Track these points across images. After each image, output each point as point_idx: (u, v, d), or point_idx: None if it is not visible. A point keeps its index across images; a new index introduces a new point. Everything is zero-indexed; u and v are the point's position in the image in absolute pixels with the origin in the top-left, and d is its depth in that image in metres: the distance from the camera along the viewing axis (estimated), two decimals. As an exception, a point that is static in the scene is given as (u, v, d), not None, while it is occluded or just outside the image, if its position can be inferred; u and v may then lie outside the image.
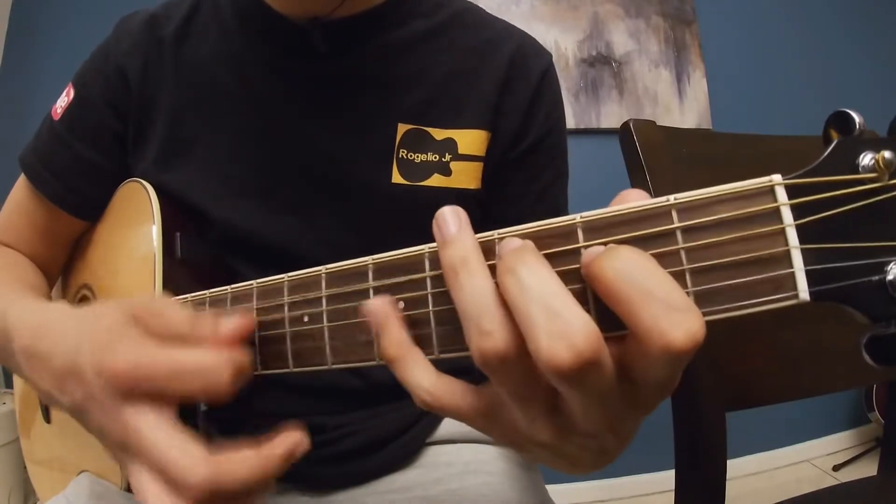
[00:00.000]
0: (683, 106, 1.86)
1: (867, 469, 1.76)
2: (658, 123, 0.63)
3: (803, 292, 0.20)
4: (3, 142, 1.59)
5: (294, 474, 0.53)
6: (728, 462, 0.58)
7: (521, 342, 0.21)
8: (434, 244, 0.25)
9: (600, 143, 1.73)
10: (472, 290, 0.22)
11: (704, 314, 0.20)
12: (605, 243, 0.22)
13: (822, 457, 1.88)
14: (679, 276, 0.21)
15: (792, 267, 0.20)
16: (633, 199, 0.23)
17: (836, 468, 1.81)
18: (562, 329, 0.19)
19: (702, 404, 0.57)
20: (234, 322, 0.30)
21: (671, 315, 0.19)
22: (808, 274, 0.20)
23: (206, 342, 0.30)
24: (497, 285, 0.22)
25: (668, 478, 1.06)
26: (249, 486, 0.27)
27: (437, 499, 0.50)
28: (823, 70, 2.00)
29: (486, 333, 0.21)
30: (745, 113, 1.90)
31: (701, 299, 0.21)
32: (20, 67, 1.71)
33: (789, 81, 1.97)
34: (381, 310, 0.26)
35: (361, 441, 0.52)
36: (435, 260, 0.25)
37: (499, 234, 0.24)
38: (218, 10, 0.53)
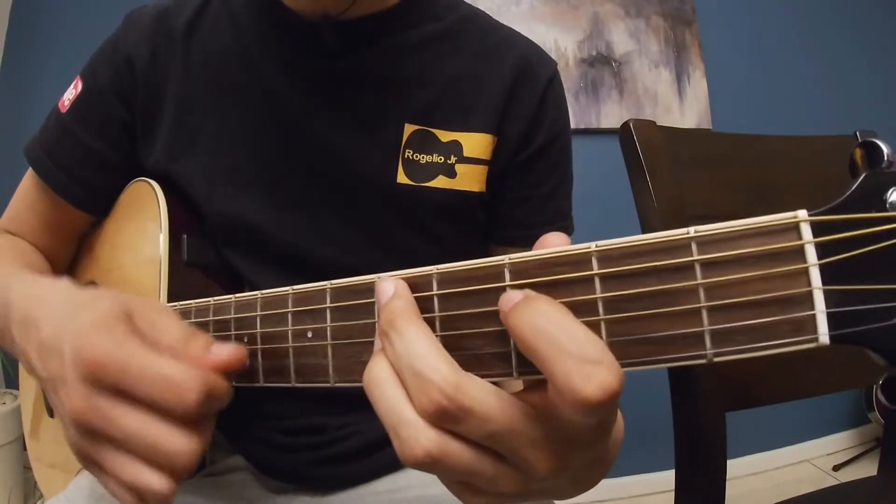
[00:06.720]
0: (683, 106, 1.85)
1: (867, 469, 1.76)
2: (658, 123, 0.63)
3: (823, 336, 0.19)
4: (3, 141, 1.59)
5: (295, 475, 0.53)
6: (728, 462, 0.58)
7: None
8: (444, 265, 0.25)
9: (600, 143, 1.72)
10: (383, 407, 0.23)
11: (717, 355, 0.20)
12: (620, 273, 0.21)
13: (822, 457, 1.88)
14: (695, 314, 0.20)
15: (813, 309, 0.19)
16: (553, 243, 0.23)
17: (836, 468, 1.81)
18: (423, 386, 0.22)
19: (702, 404, 0.57)
20: (227, 352, 0.30)
21: (584, 369, 0.19)
22: (829, 316, 0.19)
23: (192, 361, 0.29)
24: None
25: (668, 478, 1.05)
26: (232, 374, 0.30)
27: (438, 498, 0.50)
28: (824, 70, 2.00)
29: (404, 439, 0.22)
30: (745, 113, 1.89)
31: (716, 339, 0.20)
32: (20, 67, 1.71)
33: (789, 81, 1.97)
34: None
35: (363, 441, 0.52)
36: (443, 281, 0.25)
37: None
38: (229, 5, 0.54)
